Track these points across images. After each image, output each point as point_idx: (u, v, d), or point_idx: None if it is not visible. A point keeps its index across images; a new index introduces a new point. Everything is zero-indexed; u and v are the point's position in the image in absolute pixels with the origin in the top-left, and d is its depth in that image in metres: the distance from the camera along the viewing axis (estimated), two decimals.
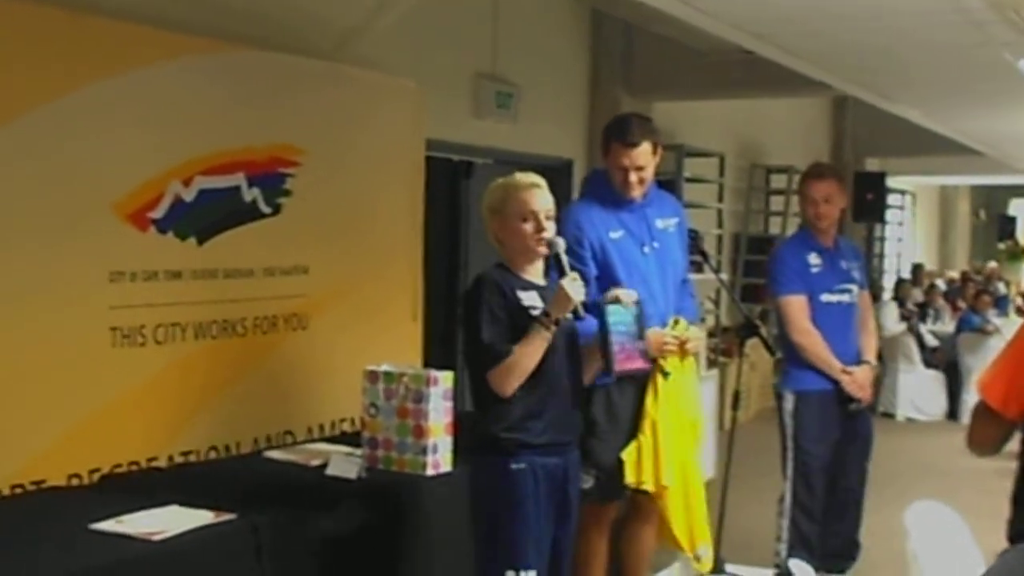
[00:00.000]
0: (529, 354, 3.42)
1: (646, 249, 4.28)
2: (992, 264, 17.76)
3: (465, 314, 3.54)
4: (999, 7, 4.82)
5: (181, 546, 3.24)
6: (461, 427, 4.05)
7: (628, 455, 4.20)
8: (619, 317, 3.74)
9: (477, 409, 3.57)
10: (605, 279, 4.15)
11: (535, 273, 3.60)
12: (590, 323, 3.69)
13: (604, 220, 4.24)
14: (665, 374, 4.19)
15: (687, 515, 4.30)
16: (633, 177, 4.21)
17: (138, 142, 4.22)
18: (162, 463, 4.30)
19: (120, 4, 4.27)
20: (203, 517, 3.43)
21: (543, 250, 3.54)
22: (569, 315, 3.51)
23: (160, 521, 3.36)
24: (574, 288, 3.44)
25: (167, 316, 4.34)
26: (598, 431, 4.23)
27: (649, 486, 4.22)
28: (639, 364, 3.86)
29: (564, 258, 3.53)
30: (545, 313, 3.44)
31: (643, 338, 3.85)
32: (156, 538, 3.22)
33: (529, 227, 3.51)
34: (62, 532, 3.29)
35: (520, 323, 3.45)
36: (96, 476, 4.04)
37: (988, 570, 2.75)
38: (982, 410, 2.76)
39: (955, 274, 17.50)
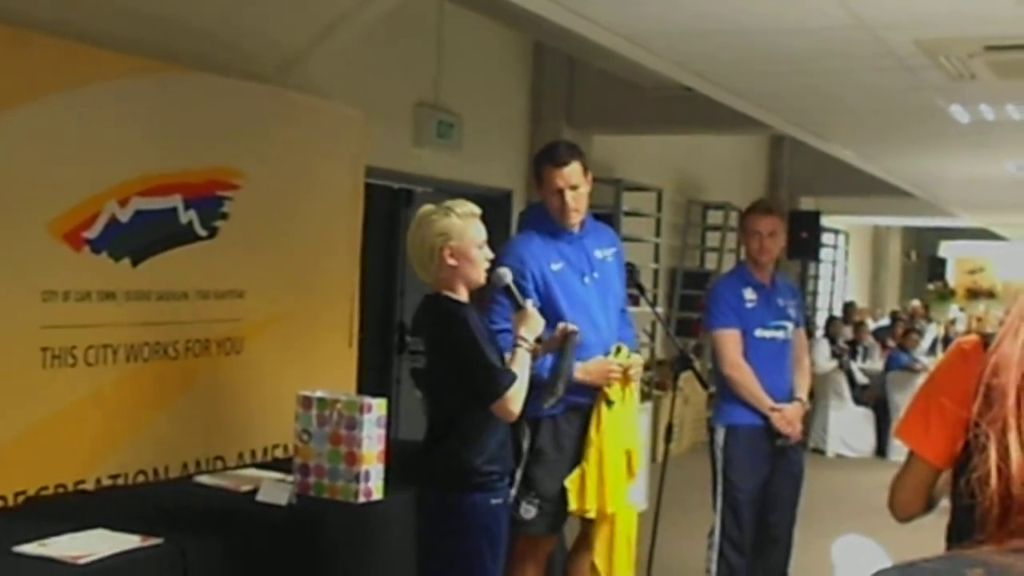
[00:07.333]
0: (526, 376, 3.52)
1: (586, 279, 4.31)
2: (916, 302, 18.00)
3: (453, 346, 3.48)
4: (931, 53, 4.92)
5: (106, 570, 3.19)
6: (394, 455, 4.04)
7: (571, 482, 4.21)
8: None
9: (453, 442, 3.50)
10: (547, 311, 4.17)
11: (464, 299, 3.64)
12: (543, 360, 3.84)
13: (544, 252, 4.26)
14: (609, 403, 4.22)
15: (608, 545, 4.31)
16: (569, 197, 4.23)
17: (75, 161, 4.18)
18: (90, 486, 4.23)
19: (60, 21, 4.23)
20: (129, 541, 3.38)
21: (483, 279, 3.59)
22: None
23: (85, 544, 3.31)
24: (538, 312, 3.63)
25: (99, 337, 4.29)
26: (545, 460, 4.23)
27: (592, 513, 4.22)
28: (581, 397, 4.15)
29: (514, 287, 3.67)
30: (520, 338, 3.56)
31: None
32: (81, 561, 3.18)
33: (483, 255, 3.57)
34: None
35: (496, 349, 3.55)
36: (21, 498, 3.97)
37: None
38: (908, 460, 2.55)
39: (882, 311, 17.78)
